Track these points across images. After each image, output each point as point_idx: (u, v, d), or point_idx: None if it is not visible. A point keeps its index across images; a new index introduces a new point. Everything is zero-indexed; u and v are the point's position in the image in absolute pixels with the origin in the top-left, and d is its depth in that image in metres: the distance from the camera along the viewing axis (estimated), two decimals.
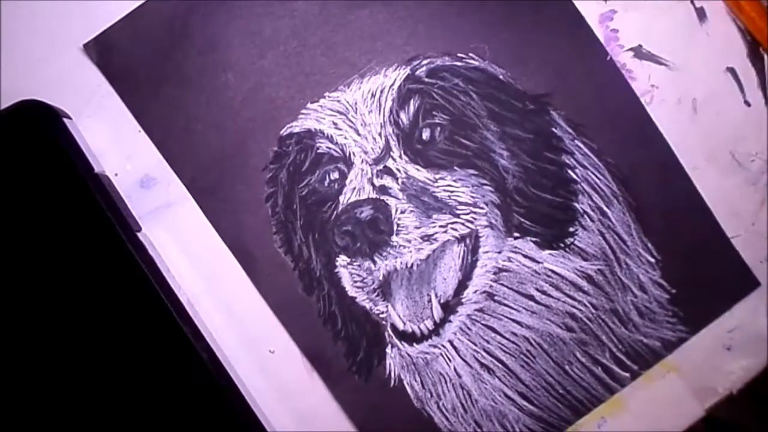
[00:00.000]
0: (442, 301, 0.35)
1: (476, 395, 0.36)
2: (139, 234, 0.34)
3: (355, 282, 0.35)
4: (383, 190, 0.34)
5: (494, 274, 0.35)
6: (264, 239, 0.35)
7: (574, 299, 0.36)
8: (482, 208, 0.35)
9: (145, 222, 0.35)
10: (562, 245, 0.35)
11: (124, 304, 0.32)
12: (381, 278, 0.35)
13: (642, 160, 0.36)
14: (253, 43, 0.35)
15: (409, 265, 0.34)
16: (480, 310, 0.35)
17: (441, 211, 0.35)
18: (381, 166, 0.35)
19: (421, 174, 0.35)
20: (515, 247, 0.35)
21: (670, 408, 0.36)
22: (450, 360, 0.35)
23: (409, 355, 0.35)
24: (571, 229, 0.35)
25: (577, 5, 0.35)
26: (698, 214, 0.36)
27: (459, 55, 0.35)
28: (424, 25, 0.35)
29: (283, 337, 0.35)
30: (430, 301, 0.35)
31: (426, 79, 0.35)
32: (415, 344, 0.35)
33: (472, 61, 0.35)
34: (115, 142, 0.35)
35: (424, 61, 0.35)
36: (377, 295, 0.35)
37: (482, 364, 0.35)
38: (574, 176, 0.35)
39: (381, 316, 0.35)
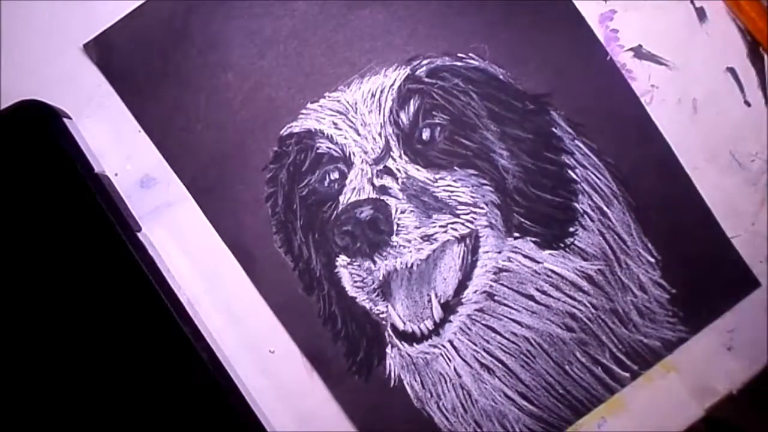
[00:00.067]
0: (442, 301, 0.35)
1: (476, 395, 0.36)
2: (139, 234, 0.34)
3: (355, 282, 0.35)
4: (383, 190, 0.34)
5: (494, 274, 0.35)
6: (264, 239, 0.35)
7: (574, 299, 0.36)
8: (482, 208, 0.35)
9: (145, 222, 0.35)
10: (562, 245, 0.35)
11: (125, 304, 0.32)
12: (381, 278, 0.35)
13: (642, 160, 0.36)
14: (253, 43, 0.35)
15: (409, 265, 0.34)
16: (480, 310, 0.35)
17: (441, 211, 0.35)
18: (381, 166, 0.35)
19: (421, 174, 0.35)
20: (515, 247, 0.35)
21: (670, 408, 0.36)
22: (450, 360, 0.35)
23: (409, 355, 0.35)
24: (571, 229, 0.35)
25: (577, 5, 0.35)
26: (698, 214, 0.36)
27: (459, 55, 0.35)
28: (424, 25, 0.35)
29: (283, 337, 0.35)
30: (430, 301, 0.35)
31: (426, 79, 0.35)
32: (415, 344, 0.35)
33: (472, 61, 0.35)
34: (115, 142, 0.35)
35: (424, 61, 0.35)
36: (377, 295, 0.35)
37: (482, 364, 0.35)
38: (574, 176, 0.35)
39: (381, 316, 0.35)
